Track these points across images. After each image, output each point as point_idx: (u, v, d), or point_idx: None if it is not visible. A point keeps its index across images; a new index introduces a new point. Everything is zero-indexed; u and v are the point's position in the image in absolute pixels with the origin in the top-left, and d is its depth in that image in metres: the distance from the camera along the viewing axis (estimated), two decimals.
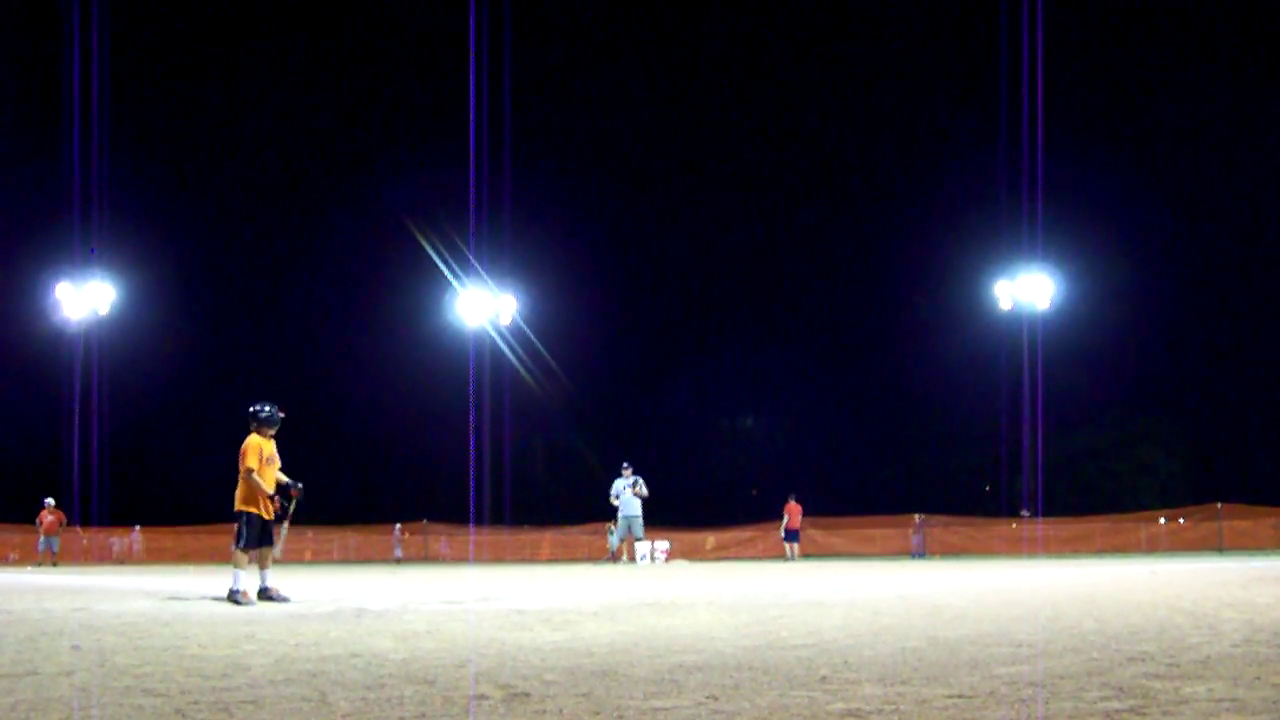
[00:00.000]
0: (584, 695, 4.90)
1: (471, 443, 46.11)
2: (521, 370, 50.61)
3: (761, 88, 68.35)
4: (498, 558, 37.89)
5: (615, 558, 27.31)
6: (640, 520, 25.21)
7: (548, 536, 41.40)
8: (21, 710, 4.70)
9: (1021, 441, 46.07)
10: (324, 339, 61.35)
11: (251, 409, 11.75)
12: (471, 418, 45.34)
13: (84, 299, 40.01)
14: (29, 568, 30.28)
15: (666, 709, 4.56)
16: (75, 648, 7.05)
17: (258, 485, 11.45)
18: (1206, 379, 58.08)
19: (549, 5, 65.33)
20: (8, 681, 5.52)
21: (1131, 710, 4.39)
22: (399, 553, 38.45)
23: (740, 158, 69.29)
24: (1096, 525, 38.20)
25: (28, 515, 34.71)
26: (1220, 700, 4.57)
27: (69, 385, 42.86)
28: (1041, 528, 37.80)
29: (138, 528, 40.88)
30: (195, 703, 4.84)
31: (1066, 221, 47.77)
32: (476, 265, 43.27)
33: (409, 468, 57.19)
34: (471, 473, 45.95)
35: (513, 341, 46.85)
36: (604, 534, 31.65)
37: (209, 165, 64.89)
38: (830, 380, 62.31)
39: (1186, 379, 57.87)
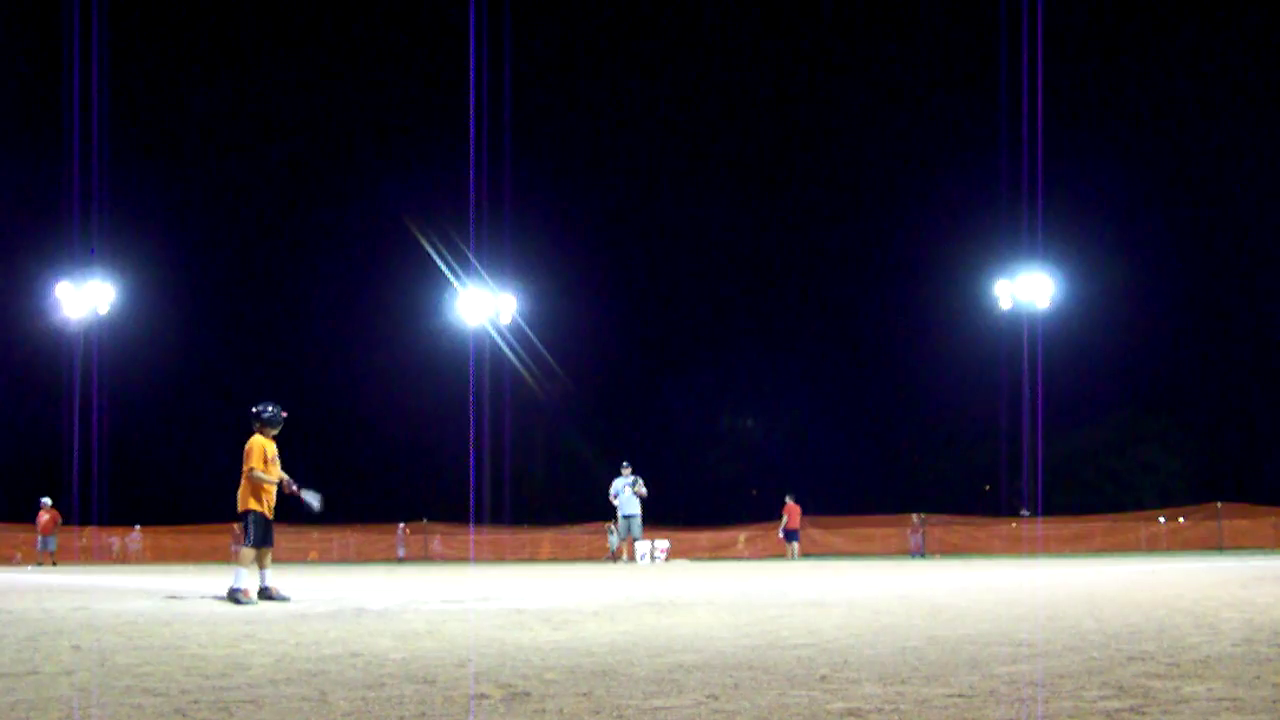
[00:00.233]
0: (584, 695, 4.90)
1: (471, 442, 46.14)
2: (521, 370, 50.63)
3: (762, 88, 68.43)
4: (498, 557, 37.91)
5: (615, 557, 27.35)
6: (639, 520, 25.25)
7: (548, 536, 41.39)
8: (21, 710, 4.70)
9: (1021, 441, 46.06)
10: (324, 339, 61.37)
11: (254, 409, 11.79)
12: (471, 417, 45.38)
13: (84, 299, 40.09)
14: (29, 567, 30.39)
15: (666, 708, 4.56)
16: (75, 647, 7.05)
17: (262, 479, 11.50)
18: (1206, 378, 58.11)
19: (549, 5, 65.38)
20: (8, 681, 5.52)
21: (1131, 710, 4.39)
22: (402, 552, 38.47)
23: (740, 157, 69.36)
24: (1096, 525, 38.15)
25: (30, 515, 34.79)
26: (1220, 700, 4.57)
27: (69, 385, 42.92)
28: (1041, 527, 37.76)
29: (137, 527, 40.88)
30: (195, 702, 4.84)
31: (1066, 221, 47.90)
32: (476, 265, 43.33)
33: (409, 467, 57.18)
34: (472, 472, 45.99)
35: (513, 341, 46.89)
36: (604, 533, 31.68)
37: (209, 165, 64.97)
38: (830, 380, 62.38)
39: (1186, 379, 57.88)
